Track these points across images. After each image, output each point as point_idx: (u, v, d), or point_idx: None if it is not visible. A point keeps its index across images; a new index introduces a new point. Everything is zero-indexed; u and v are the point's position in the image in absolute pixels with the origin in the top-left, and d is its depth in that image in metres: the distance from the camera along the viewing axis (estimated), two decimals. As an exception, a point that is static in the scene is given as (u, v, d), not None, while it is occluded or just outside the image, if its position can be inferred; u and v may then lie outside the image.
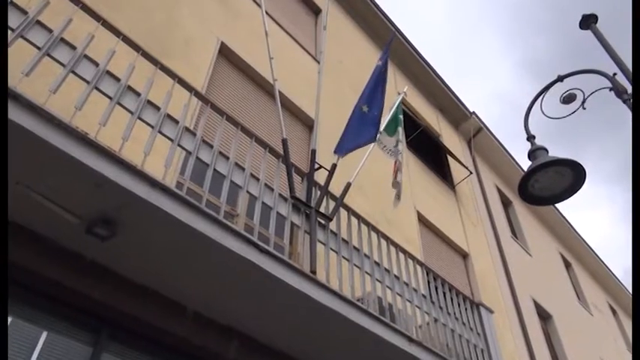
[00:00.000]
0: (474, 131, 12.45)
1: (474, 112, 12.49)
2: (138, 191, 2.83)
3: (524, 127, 4.21)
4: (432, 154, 10.31)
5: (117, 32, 3.45)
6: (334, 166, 4.89)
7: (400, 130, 5.90)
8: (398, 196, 5.49)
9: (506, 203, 13.15)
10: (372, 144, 5.41)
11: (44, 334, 2.94)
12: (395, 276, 4.68)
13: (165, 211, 2.91)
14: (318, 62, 7.14)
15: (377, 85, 5.51)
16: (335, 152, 5.07)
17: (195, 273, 3.36)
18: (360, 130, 5.16)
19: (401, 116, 6.06)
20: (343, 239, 4.38)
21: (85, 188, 2.80)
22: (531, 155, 4.02)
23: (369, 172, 6.36)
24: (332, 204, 4.60)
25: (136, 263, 3.29)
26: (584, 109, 4.13)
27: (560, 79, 4.21)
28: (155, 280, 3.40)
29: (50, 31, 3.00)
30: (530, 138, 4.16)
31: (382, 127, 5.68)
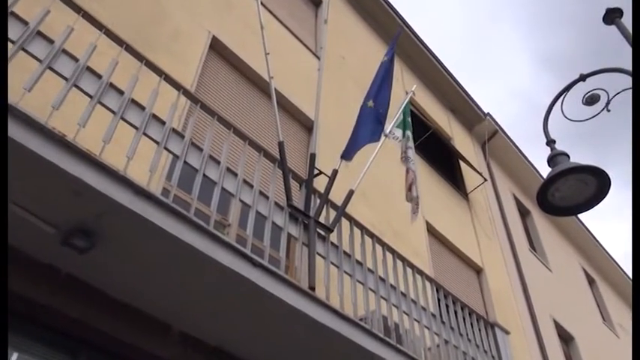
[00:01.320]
0: (489, 134, 12.47)
1: (488, 114, 12.52)
2: (120, 199, 2.83)
3: (544, 130, 4.22)
4: (442, 159, 10.32)
5: (98, 25, 3.46)
6: (335, 171, 4.89)
7: (409, 134, 5.88)
8: (415, 211, 5.47)
9: (524, 213, 13.14)
10: (378, 145, 5.41)
11: (14, 356, 2.93)
12: (402, 293, 4.67)
13: (149, 221, 2.91)
14: (319, 58, 7.17)
15: (383, 82, 5.54)
16: (342, 157, 5.07)
17: (181, 289, 3.35)
18: (368, 128, 5.18)
19: (409, 119, 6.05)
20: (345, 252, 4.37)
21: (62, 195, 2.80)
22: (551, 161, 4.03)
23: (373, 178, 6.36)
24: (333, 213, 4.60)
25: (116, 278, 3.28)
26: (609, 111, 4.14)
27: (583, 78, 4.23)
28: (137, 297, 3.39)
29: (26, 23, 3.02)
30: (550, 142, 4.17)
31: (390, 126, 5.69)
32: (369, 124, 5.22)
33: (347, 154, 5.12)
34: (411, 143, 5.78)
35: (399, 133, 5.73)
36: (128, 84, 3.38)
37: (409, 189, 5.48)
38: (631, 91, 3.68)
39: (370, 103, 5.33)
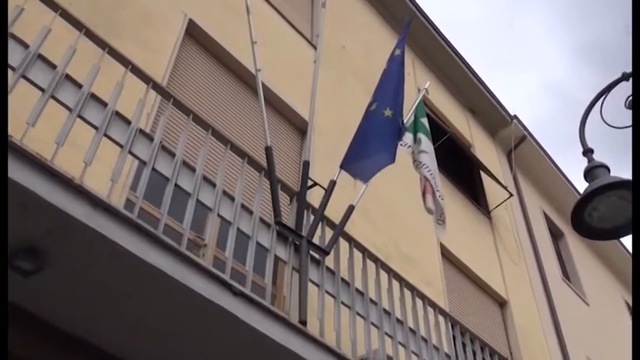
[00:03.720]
0: (516, 140, 12.53)
1: (515, 116, 12.59)
2: (74, 212, 2.82)
3: (580, 138, 4.25)
4: (460, 169, 10.36)
5: (53, 5, 3.47)
6: (333, 183, 4.90)
7: (422, 137, 5.87)
8: (441, 222, 5.45)
9: (556, 235, 13.18)
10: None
11: (-56, 400, 2.90)
12: (410, 329, 4.67)
13: (108, 239, 2.90)
14: (315, 48, 7.20)
15: (398, 83, 5.51)
16: (345, 169, 5.04)
17: (145, 321, 3.33)
18: (388, 144, 5.13)
19: (423, 119, 6.05)
20: (343, 279, 4.37)
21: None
22: (588, 175, 4.05)
23: (377, 191, 6.36)
24: (329, 233, 4.60)
25: (68, 307, 3.26)
26: (656, 115, 4.17)
27: (626, 77, 4.26)
28: (93, 330, 3.37)
29: (-33, 1, 3.02)
30: (587, 152, 4.19)
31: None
32: (388, 139, 5.15)
33: (361, 174, 5.05)
34: (424, 146, 5.74)
35: (409, 138, 5.72)
36: (88, 75, 3.39)
37: (424, 199, 5.46)
38: None
39: (388, 112, 5.25)
